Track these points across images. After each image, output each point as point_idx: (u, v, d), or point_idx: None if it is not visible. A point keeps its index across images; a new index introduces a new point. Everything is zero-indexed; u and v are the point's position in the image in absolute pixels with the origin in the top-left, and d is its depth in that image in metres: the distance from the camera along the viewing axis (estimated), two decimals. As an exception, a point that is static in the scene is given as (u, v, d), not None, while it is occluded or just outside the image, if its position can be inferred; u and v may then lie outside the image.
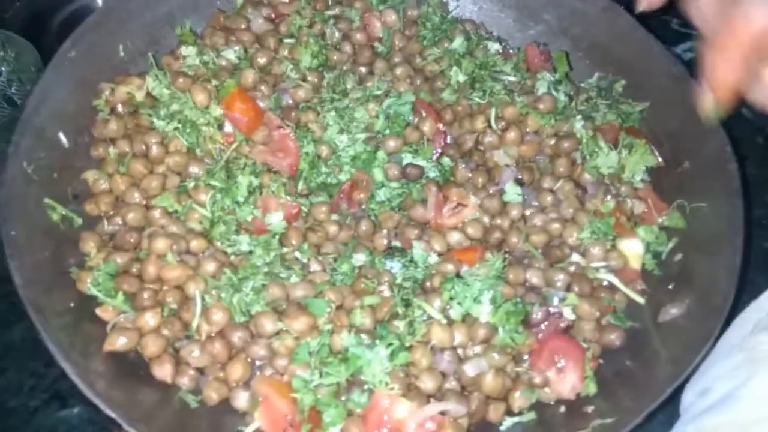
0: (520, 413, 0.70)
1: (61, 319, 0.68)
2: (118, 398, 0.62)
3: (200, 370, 0.71)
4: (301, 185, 0.84)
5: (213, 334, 0.70)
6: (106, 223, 0.78)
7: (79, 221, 0.78)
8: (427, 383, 0.67)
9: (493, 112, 0.87)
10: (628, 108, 0.91)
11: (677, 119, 0.87)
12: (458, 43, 0.95)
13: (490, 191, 0.83)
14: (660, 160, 0.87)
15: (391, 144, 0.86)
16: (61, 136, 0.81)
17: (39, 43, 1.05)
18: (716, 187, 0.79)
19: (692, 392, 0.71)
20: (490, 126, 0.87)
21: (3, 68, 1.06)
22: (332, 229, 0.80)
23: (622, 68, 0.95)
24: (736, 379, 0.65)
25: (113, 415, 0.60)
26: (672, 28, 1.24)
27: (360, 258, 0.78)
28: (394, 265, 0.78)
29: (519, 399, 0.70)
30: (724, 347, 0.70)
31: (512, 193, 0.82)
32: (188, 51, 0.89)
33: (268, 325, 0.69)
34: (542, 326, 0.72)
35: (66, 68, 0.82)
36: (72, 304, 0.71)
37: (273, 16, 0.96)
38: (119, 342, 0.69)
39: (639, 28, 0.92)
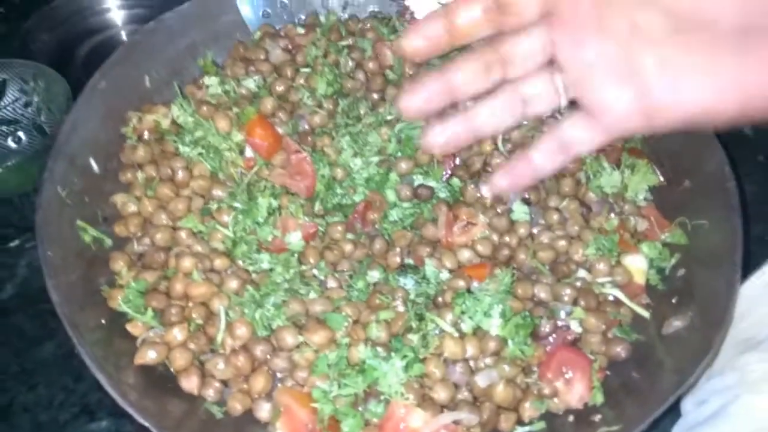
0: (530, 423, 0.72)
1: (93, 334, 0.71)
2: (150, 408, 0.65)
3: (225, 382, 0.73)
4: (317, 206, 0.86)
5: (237, 348, 0.73)
6: (135, 243, 0.81)
7: (109, 242, 0.81)
8: (441, 394, 0.69)
9: (500, 135, 0.89)
10: (630, 129, 0.94)
11: (678, 140, 0.89)
12: (466, 69, 0.98)
13: (499, 210, 0.85)
14: (661, 179, 0.89)
15: (403, 166, 0.88)
16: (92, 162, 0.84)
17: (65, 73, 1.10)
18: (716, 204, 0.81)
19: (691, 401, 0.74)
20: (497, 148, 0.89)
21: (34, 98, 1.11)
22: (348, 247, 0.83)
23: (624, 91, 0.98)
24: (728, 397, 0.68)
25: (146, 423, 0.62)
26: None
27: (375, 275, 0.80)
28: (408, 282, 0.80)
29: (529, 409, 0.71)
30: (720, 361, 0.73)
31: (520, 212, 0.84)
32: (210, 81, 0.92)
33: (289, 338, 0.71)
34: (550, 339, 0.74)
35: (96, 99, 0.86)
36: (103, 321, 0.74)
37: (290, 47, 0.99)
38: (149, 356, 0.71)
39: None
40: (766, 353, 0.68)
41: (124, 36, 1.29)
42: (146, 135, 0.88)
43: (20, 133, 1.12)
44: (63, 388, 0.86)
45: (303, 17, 1.04)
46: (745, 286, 0.75)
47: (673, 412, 0.73)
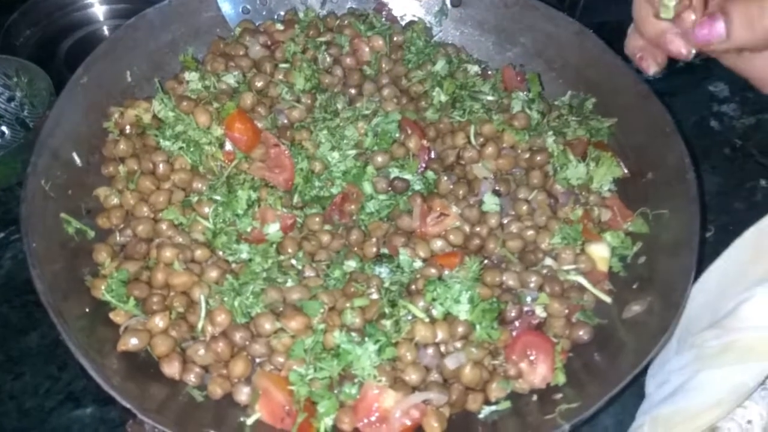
0: (496, 402, 0.75)
1: (78, 322, 0.73)
2: (133, 391, 0.67)
3: (205, 368, 0.75)
4: (296, 198, 0.89)
5: (216, 335, 0.75)
6: (117, 235, 0.83)
7: (92, 234, 0.83)
8: (412, 376, 0.72)
9: (472, 129, 0.92)
10: (597, 124, 0.97)
11: (642, 134, 0.93)
12: (440, 65, 1.00)
13: (470, 201, 0.88)
14: (625, 171, 0.93)
15: (379, 159, 0.90)
16: (75, 156, 0.86)
17: (47, 68, 1.11)
18: (676, 195, 0.84)
19: (653, 383, 0.77)
20: (469, 142, 0.92)
21: (17, 93, 1.13)
22: (325, 238, 0.85)
23: (592, 87, 1.00)
24: (687, 374, 0.71)
25: (129, 405, 0.65)
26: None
27: (351, 264, 0.83)
28: (383, 271, 0.82)
29: (495, 389, 0.74)
30: (672, 346, 0.77)
31: (490, 203, 0.87)
32: (191, 76, 0.94)
33: (267, 325, 0.74)
34: (516, 323, 0.77)
35: (78, 93, 0.88)
36: (87, 310, 0.76)
37: (269, 43, 1.00)
38: (131, 342, 0.73)
39: (608, 51, 0.98)
40: (722, 329, 0.71)
41: (106, 31, 1.30)
42: (128, 129, 0.89)
43: (3, 128, 1.14)
44: (48, 376, 0.88)
45: (282, 14, 1.06)
46: (711, 270, 0.78)
47: (640, 395, 0.77)
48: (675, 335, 0.73)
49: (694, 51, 0.62)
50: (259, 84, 0.95)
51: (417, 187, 0.90)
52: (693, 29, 0.60)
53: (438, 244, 0.85)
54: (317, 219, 0.87)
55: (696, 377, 0.69)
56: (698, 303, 0.73)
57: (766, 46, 0.60)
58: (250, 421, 0.71)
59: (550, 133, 0.93)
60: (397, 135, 0.93)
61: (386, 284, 0.81)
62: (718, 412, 0.67)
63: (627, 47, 0.70)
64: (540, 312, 0.78)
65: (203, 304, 0.76)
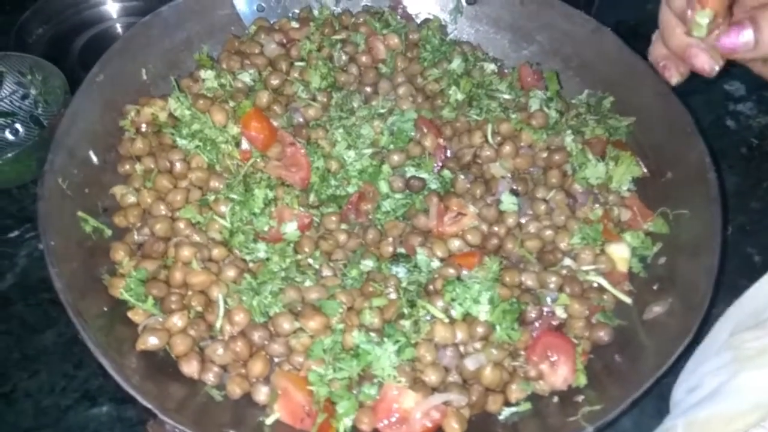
0: (517, 404, 0.75)
1: (96, 321, 0.73)
2: (152, 391, 0.67)
3: (224, 367, 0.75)
4: (312, 197, 0.89)
5: (235, 334, 0.75)
6: (135, 233, 0.83)
7: (108, 232, 0.83)
8: (432, 377, 0.72)
9: (489, 128, 0.92)
10: (615, 123, 0.96)
11: (661, 133, 0.92)
12: (456, 63, 1.00)
13: (488, 201, 0.87)
14: (645, 170, 0.92)
15: (395, 158, 0.90)
16: (91, 154, 0.86)
17: (60, 66, 1.11)
18: (697, 195, 0.84)
19: (682, 389, 0.75)
20: (486, 141, 0.92)
21: (31, 91, 1.13)
22: (342, 237, 0.85)
23: (610, 86, 1.00)
24: (724, 376, 0.69)
25: (149, 405, 0.65)
26: (659, 47, 1.31)
27: (368, 264, 0.83)
28: (400, 270, 0.82)
29: (516, 391, 0.74)
30: (710, 347, 0.75)
31: (508, 202, 0.87)
32: (207, 74, 0.93)
33: (286, 324, 0.74)
34: (536, 324, 0.77)
35: (94, 92, 0.88)
36: (105, 308, 0.76)
37: (284, 41, 1.00)
38: (150, 342, 0.73)
39: (625, 49, 0.97)
40: (763, 330, 0.69)
41: (119, 29, 1.30)
42: (144, 127, 0.90)
43: (17, 125, 1.13)
44: (64, 374, 0.88)
45: (297, 11, 1.06)
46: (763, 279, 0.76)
47: (659, 400, 0.76)
48: (717, 343, 0.72)
49: (717, 68, 0.61)
50: (274, 82, 0.95)
51: (433, 186, 0.90)
52: (719, 37, 0.59)
53: (455, 243, 0.84)
54: (334, 218, 0.87)
55: (734, 379, 0.67)
56: (746, 312, 0.72)
57: None
58: (269, 421, 0.71)
59: (569, 132, 0.92)
60: (413, 134, 0.93)
61: (404, 284, 0.81)
62: (756, 416, 0.65)
63: (651, 54, 0.69)
64: (560, 313, 0.78)
65: (221, 304, 0.76)
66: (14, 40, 1.21)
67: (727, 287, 0.96)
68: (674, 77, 0.66)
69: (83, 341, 0.70)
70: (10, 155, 1.00)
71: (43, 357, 0.89)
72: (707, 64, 0.61)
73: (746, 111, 1.25)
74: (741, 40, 0.58)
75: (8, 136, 1.13)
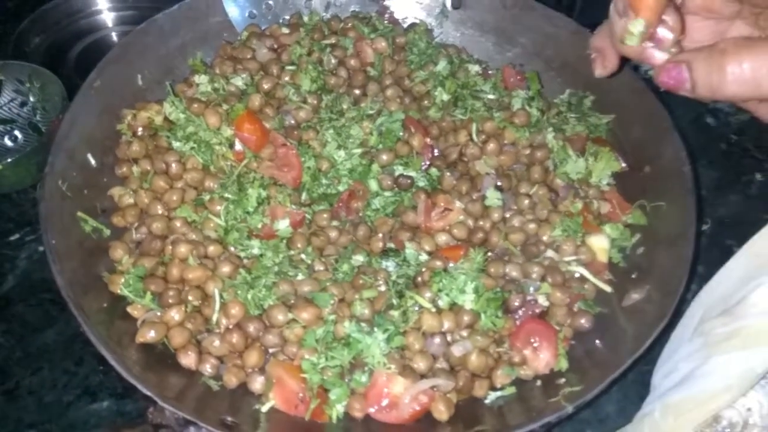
0: (502, 388, 0.77)
1: (97, 316, 0.75)
2: (152, 381, 0.70)
3: (220, 358, 0.77)
4: (304, 196, 0.91)
5: (231, 327, 0.77)
6: (133, 232, 0.85)
7: (107, 232, 0.86)
8: (420, 364, 0.74)
9: (474, 127, 0.95)
10: (595, 120, 0.99)
11: (639, 129, 0.95)
12: (442, 66, 1.03)
13: (473, 197, 0.90)
14: (624, 165, 0.95)
15: (384, 157, 0.93)
16: (90, 157, 0.89)
17: (58, 74, 1.13)
18: (673, 187, 0.87)
19: (659, 374, 0.78)
20: (471, 139, 0.95)
21: (30, 98, 1.15)
22: (333, 234, 0.88)
23: (590, 85, 1.03)
24: (696, 361, 0.72)
25: (150, 393, 0.67)
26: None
27: (359, 259, 0.85)
28: (389, 264, 0.85)
29: (501, 376, 0.77)
30: (683, 333, 0.78)
31: (493, 198, 0.89)
32: (200, 79, 0.96)
33: (280, 316, 0.76)
34: (519, 312, 0.79)
35: (92, 97, 0.90)
36: (105, 304, 0.78)
37: (275, 46, 1.03)
38: (149, 335, 0.76)
39: (605, 49, 1.01)
40: (730, 316, 0.72)
41: (114, 37, 1.32)
42: (140, 131, 0.92)
43: (16, 132, 1.16)
44: (65, 371, 0.90)
45: (287, 18, 1.09)
46: (728, 265, 0.79)
47: (642, 388, 0.78)
48: (690, 329, 0.75)
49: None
50: (266, 86, 0.98)
51: (421, 184, 0.93)
52: (658, 73, 0.58)
53: (442, 238, 0.87)
54: (325, 215, 0.89)
55: (705, 364, 0.70)
56: (714, 298, 0.75)
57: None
58: (264, 408, 0.73)
59: (550, 129, 0.95)
60: (401, 134, 0.95)
61: (393, 277, 0.83)
62: (727, 397, 0.67)
63: (591, 41, 0.70)
64: (543, 301, 0.81)
65: (217, 298, 0.78)
66: (12, 48, 1.23)
67: (707, 277, 0.97)
68: (598, 69, 0.68)
69: (84, 336, 0.72)
70: (9, 160, 1.03)
71: (45, 355, 0.91)
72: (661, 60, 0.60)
73: (725, 108, 1.28)
74: (679, 79, 0.57)
75: (7, 142, 1.15)
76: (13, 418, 0.86)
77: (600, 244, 0.87)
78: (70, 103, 0.90)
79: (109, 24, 1.33)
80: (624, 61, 0.67)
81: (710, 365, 0.70)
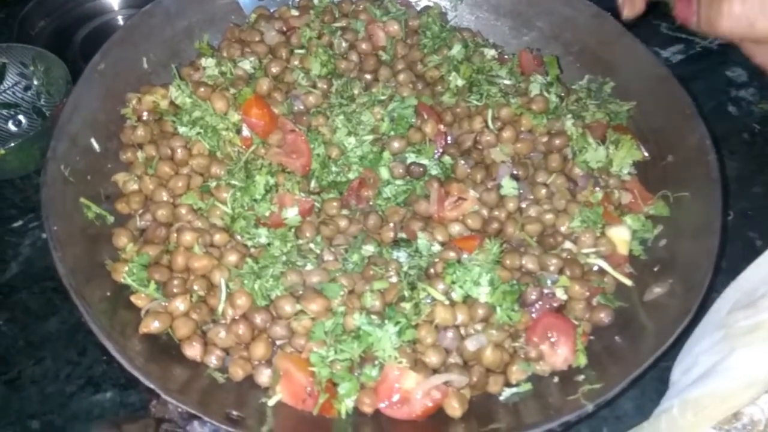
0: (517, 384, 0.75)
1: (100, 305, 0.73)
2: (156, 372, 0.68)
3: (226, 350, 0.76)
4: (313, 183, 0.89)
5: (237, 317, 0.76)
6: (138, 219, 0.83)
7: (111, 219, 0.84)
8: (432, 358, 0.72)
9: (489, 113, 0.92)
10: (615, 107, 0.97)
11: (661, 117, 0.93)
12: (457, 50, 1.00)
13: (488, 186, 0.88)
14: (645, 154, 0.92)
15: (396, 144, 0.91)
16: (93, 142, 0.87)
17: (62, 58, 1.12)
18: (697, 177, 0.84)
19: (679, 370, 0.76)
20: (487, 126, 0.92)
21: (34, 82, 1.14)
22: (343, 223, 0.85)
23: (610, 70, 1.00)
24: (717, 355, 0.70)
25: (153, 386, 0.65)
26: (661, 32, 1.31)
27: (369, 249, 0.83)
28: (401, 255, 0.82)
29: (516, 372, 0.75)
30: (706, 327, 0.76)
31: (509, 187, 0.87)
32: (207, 62, 0.94)
33: (287, 307, 0.74)
34: (536, 305, 0.77)
35: (96, 80, 0.88)
36: (108, 293, 0.77)
37: (284, 29, 1.01)
38: (153, 325, 0.74)
39: (626, 33, 0.97)
40: (754, 309, 0.70)
41: (120, 21, 1.30)
42: (145, 115, 0.90)
43: (20, 117, 1.14)
44: (68, 361, 0.89)
45: (296, -1, 1.06)
46: (757, 261, 0.76)
47: (659, 382, 0.76)
48: (712, 324, 0.72)
49: None
50: (275, 70, 0.96)
51: (434, 172, 0.90)
52: (675, 4, 0.65)
53: (456, 228, 0.85)
54: (334, 204, 0.87)
55: (727, 359, 0.68)
56: (741, 293, 0.72)
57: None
58: (271, 402, 0.71)
59: (569, 116, 0.93)
60: (414, 120, 0.93)
61: (405, 268, 0.81)
62: (749, 394, 0.65)
63: None
64: (560, 294, 0.78)
65: (223, 287, 0.76)
66: (17, 32, 1.22)
67: (729, 271, 0.96)
68: (626, 11, 0.73)
69: (87, 326, 0.70)
70: (13, 145, 1.01)
71: (48, 344, 0.90)
72: None
73: (748, 97, 1.24)
74: (689, 13, 0.65)
75: (11, 127, 1.13)
76: (15, 408, 0.85)
77: (621, 235, 0.84)
78: (74, 87, 0.88)
79: (115, 7, 1.32)
80: (649, 6, 0.72)
81: (732, 360, 0.68)
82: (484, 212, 0.86)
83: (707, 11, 0.64)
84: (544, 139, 0.92)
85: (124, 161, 0.89)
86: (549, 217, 0.85)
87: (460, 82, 0.97)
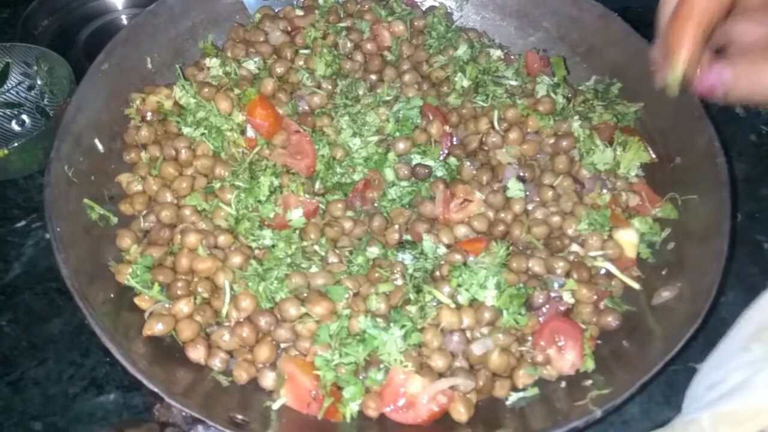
0: (524, 389, 0.74)
1: (103, 307, 0.73)
2: (159, 375, 0.67)
3: (230, 353, 0.75)
4: (318, 185, 0.89)
5: (241, 320, 0.75)
6: (141, 221, 0.83)
7: (115, 220, 0.84)
8: (438, 362, 0.71)
9: (495, 114, 0.91)
10: (623, 108, 0.95)
11: (669, 118, 0.91)
12: (462, 50, 0.99)
13: (494, 188, 0.87)
14: (653, 156, 0.91)
15: (401, 146, 0.90)
16: (97, 142, 0.86)
17: (66, 58, 1.11)
18: (705, 180, 0.83)
19: (702, 386, 0.74)
20: (493, 127, 0.91)
21: (37, 81, 1.13)
22: (347, 224, 0.85)
23: (618, 71, 0.99)
24: (750, 370, 0.68)
25: (156, 389, 0.65)
26: (667, 33, 1.30)
27: (374, 251, 0.83)
28: (406, 257, 0.82)
29: (523, 376, 0.74)
30: (731, 346, 0.74)
31: (515, 189, 0.86)
32: (212, 62, 0.93)
33: (292, 310, 0.73)
34: (543, 309, 0.76)
35: (99, 80, 0.88)
36: (112, 295, 0.76)
37: (289, 29, 1.00)
38: (157, 327, 0.74)
39: (633, 34, 0.96)
40: None
41: (124, 20, 1.30)
42: (149, 116, 0.90)
43: (24, 116, 1.14)
44: (71, 362, 0.88)
45: (301, -1, 1.06)
46: None
47: (668, 388, 0.74)
48: (738, 341, 0.71)
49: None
50: (279, 70, 0.95)
51: (439, 174, 0.90)
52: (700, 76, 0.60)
53: (461, 230, 0.84)
54: (339, 205, 0.86)
55: (760, 374, 0.66)
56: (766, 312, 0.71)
57: None
58: (276, 406, 0.71)
59: (576, 117, 0.92)
60: (419, 121, 0.92)
61: (410, 271, 0.80)
62: None
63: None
64: (568, 298, 0.77)
65: (228, 290, 0.76)
66: (20, 31, 1.21)
67: (737, 274, 0.96)
68: (660, 82, 0.66)
69: (90, 328, 0.70)
70: (16, 145, 1.00)
71: (51, 345, 0.90)
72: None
73: (756, 98, 1.23)
74: (721, 77, 0.60)
75: (15, 126, 1.13)
76: (18, 410, 0.84)
77: (628, 238, 0.83)
78: (77, 87, 0.87)
79: (119, 6, 1.31)
80: None
81: (766, 375, 0.66)
82: (490, 214, 0.86)
83: (748, 75, 0.58)
84: (551, 140, 0.91)
85: (127, 162, 0.89)
86: (556, 219, 0.84)
87: (465, 83, 0.97)
